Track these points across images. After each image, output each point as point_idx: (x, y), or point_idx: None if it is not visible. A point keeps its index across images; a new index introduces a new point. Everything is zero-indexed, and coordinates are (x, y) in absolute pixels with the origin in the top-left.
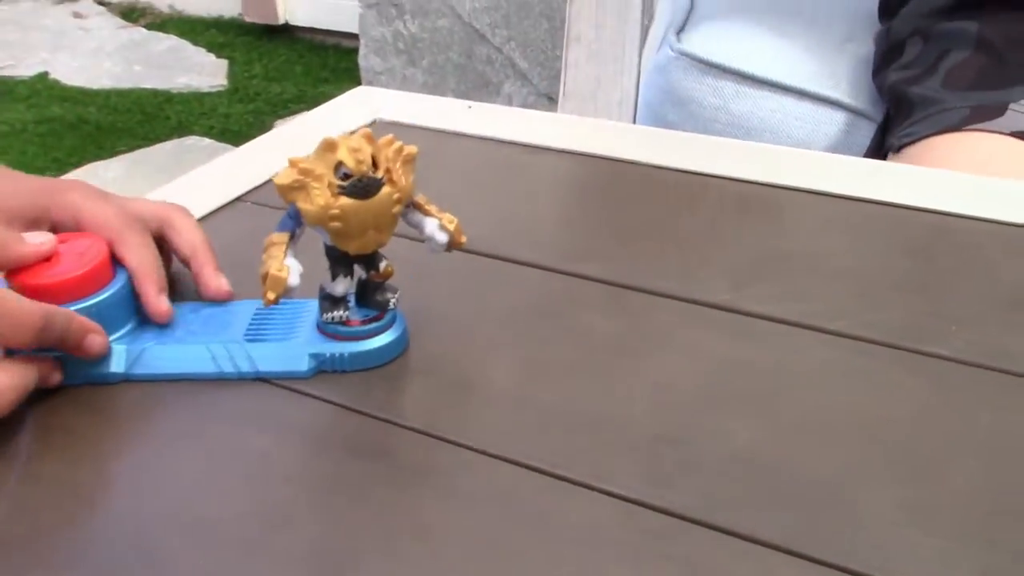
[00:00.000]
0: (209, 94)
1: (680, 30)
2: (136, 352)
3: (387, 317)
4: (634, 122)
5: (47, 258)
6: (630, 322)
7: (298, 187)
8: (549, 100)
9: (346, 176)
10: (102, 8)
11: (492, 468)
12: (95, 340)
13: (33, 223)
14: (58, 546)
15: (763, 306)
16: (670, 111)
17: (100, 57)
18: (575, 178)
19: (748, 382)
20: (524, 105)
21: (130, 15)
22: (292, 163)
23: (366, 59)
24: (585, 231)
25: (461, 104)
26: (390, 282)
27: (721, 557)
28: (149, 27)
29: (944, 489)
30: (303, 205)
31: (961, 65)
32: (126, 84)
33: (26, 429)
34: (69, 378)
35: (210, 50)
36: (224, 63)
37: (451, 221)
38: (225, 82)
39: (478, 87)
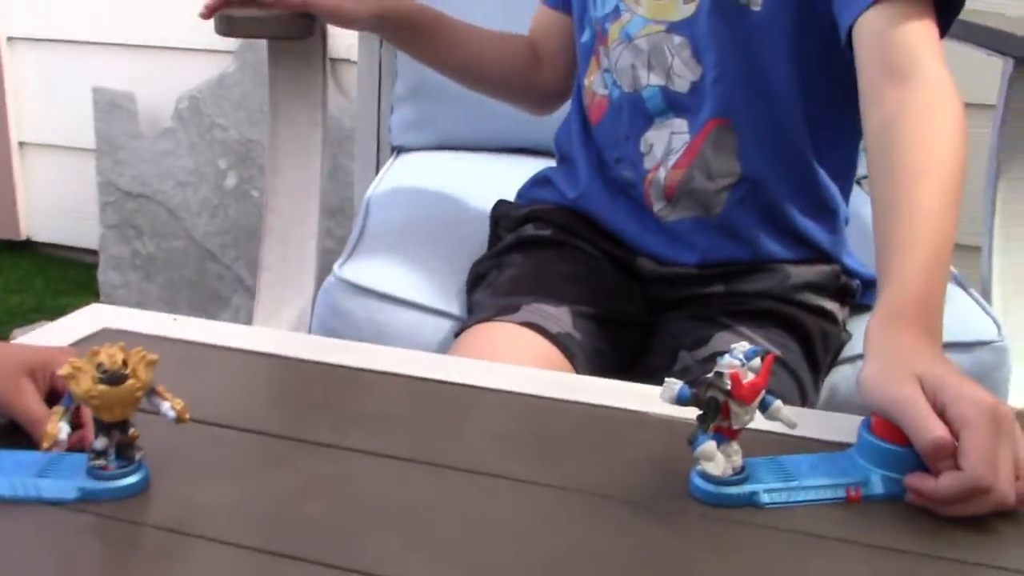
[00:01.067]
0: None
1: (343, 262)
2: None
3: (133, 465)
4: (309, 331)
5: None
6: (321, 466)
7: (71, 377)
8: None
9: (104, 371)
10: None
11: (208, 547)
12: None
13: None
14: None
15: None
16: (334, 322)
17: None
18: (259, 370)
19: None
20: (249, 315)
21: None
22: (70, 363)
23: (105, 274)
24: (269, 404)
25: (168, 317)
26: (137, 443)
27: None
28: None
29: None
30: (73, 388)
31: (501, 283)
32: None
33: None
34: None
35: None
36: None
37: (179, 403)
38: None
39: (210, 300)
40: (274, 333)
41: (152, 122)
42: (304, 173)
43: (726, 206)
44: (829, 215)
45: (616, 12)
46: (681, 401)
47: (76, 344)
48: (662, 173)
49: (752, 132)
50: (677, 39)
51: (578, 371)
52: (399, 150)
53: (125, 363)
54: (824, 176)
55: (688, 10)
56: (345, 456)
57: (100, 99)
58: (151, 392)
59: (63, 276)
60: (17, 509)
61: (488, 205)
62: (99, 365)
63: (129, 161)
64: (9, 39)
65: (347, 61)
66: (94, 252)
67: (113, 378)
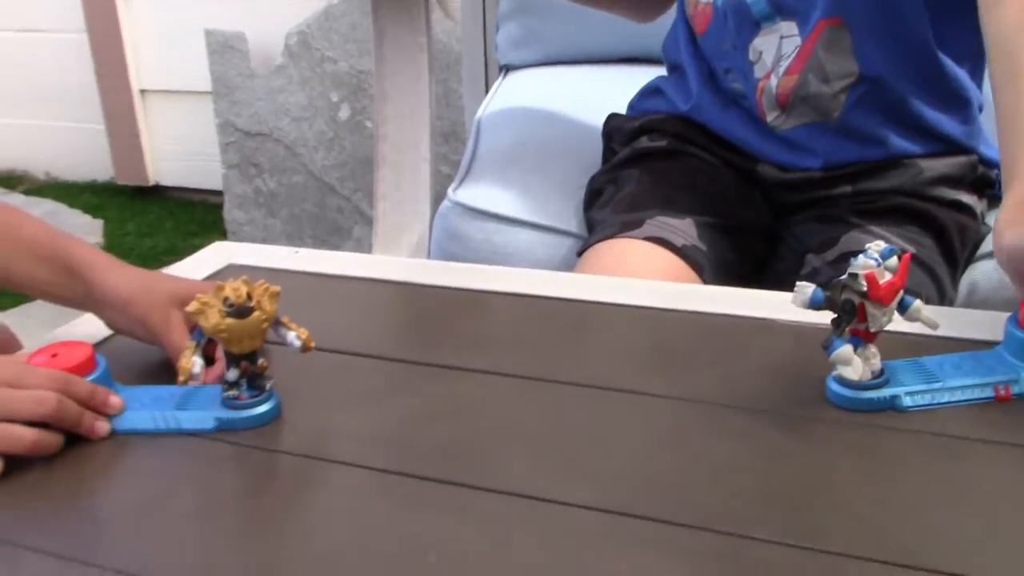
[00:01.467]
0: None
1: (458, 185)
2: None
3: (265, 395)
4: (428, 256)
5: (54, 354)
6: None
7: (199, 313)
8: None
9: (231, 305)
10: None
11: (342, 471)
12: (115, 399)
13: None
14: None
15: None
16: (452, 246)
17: None
18: (381, 297)
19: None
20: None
21: (7, 183)
22: (197, 298)
23: (230, 213)
24: (392, 330)
25: (289, 250)
26: (267, 373)
27: None
28: (27, 193)
29: None
30: (203, 323)
31: (621, 198)
32: None
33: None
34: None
35: (85, 211)
36: (99, 223)
37: (304, 332)
38: (101, 240)
39: (331, 232)
40: (393, 260)
41: (264, 60)
42: (412, 98)
43: (845, 108)
44: (960, 104)
45: None
46: (815, 305)
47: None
48: (773, 81)
49: (867, 28)
50: None
51: (705, 283)
52: (507, 69)
53: (249, 296)
54: (950, 65)
55: None
56: (468, 377)
57: (212, 41)
58: (276, 323)
59: (191, 218)
60: (159, 440)
61: (599, 119)
62: (225, 299)
63: (245, 100)
64: None
65: None
66: (218, 192)
67: (239, 311)
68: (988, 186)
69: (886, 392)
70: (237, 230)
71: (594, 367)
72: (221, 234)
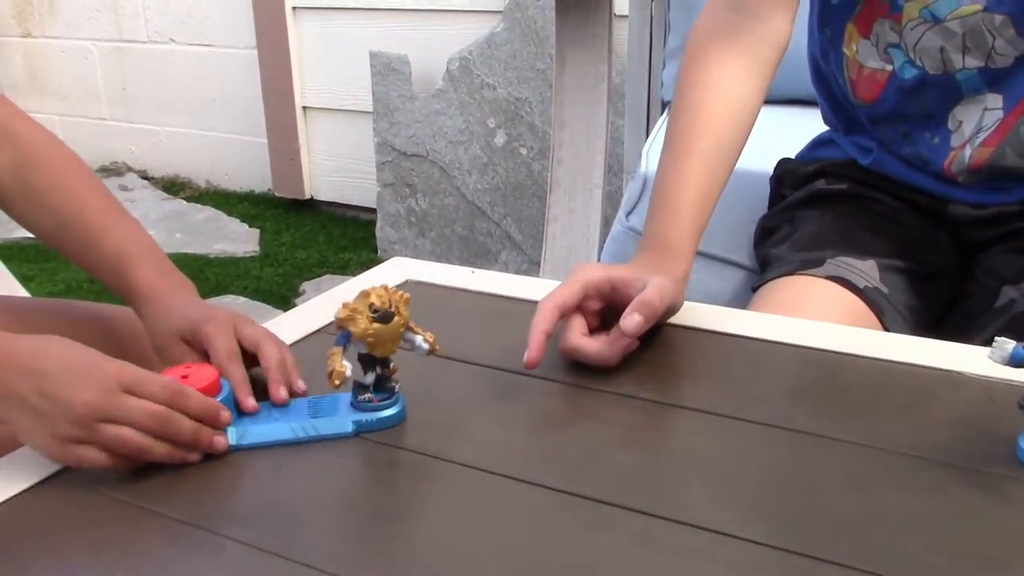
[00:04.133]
0: (243, 259)
1: (630, 211)
2: (240, 431)
3: (394, 397)
4: None
5: (184, 376)
6: (567, 403)
7: (348, 319)
8: (538, 266)
9: (376, 311)
10: (146, 182)
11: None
12: (226, 414)
13: (189, 341)
14: None
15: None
16: None
17: (144, 225)
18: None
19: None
20: (517, 271)
21: (171, 188)
22: (344, 305)
23: (382, 230)
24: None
25: (466, 271)
26: (395, 376)
27: None
28: (189, 199)
29: None
30: (352, 329)
31: (800, 237)
32: (168, 249)
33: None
34: None
35: (243, 220)
36: (256, 232)
37: (430, 336)
38: (257, 248)
39: (478, 255)
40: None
41: (425, 83)
42: (590, 125)
43: None
44: None
45: None
46: (1015, 362)
47: None
48: (967, 151)
49: None
50: (999, 18)
51: (886, 326)
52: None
53: (389, 303)
54: None
55: None
56: (644, 407)
57: (376, 63)
58: (406, 328)
59: (343, 233)
60: (301, 449)
61: (764, 157)
62: (371, 305)
63: (404, 122)
64: (294, 9)
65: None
66: (371, 210)
67: (384, 316)
68: None
69: None
70: (388, 247)
71: (771, 405)
72: (371, 250)
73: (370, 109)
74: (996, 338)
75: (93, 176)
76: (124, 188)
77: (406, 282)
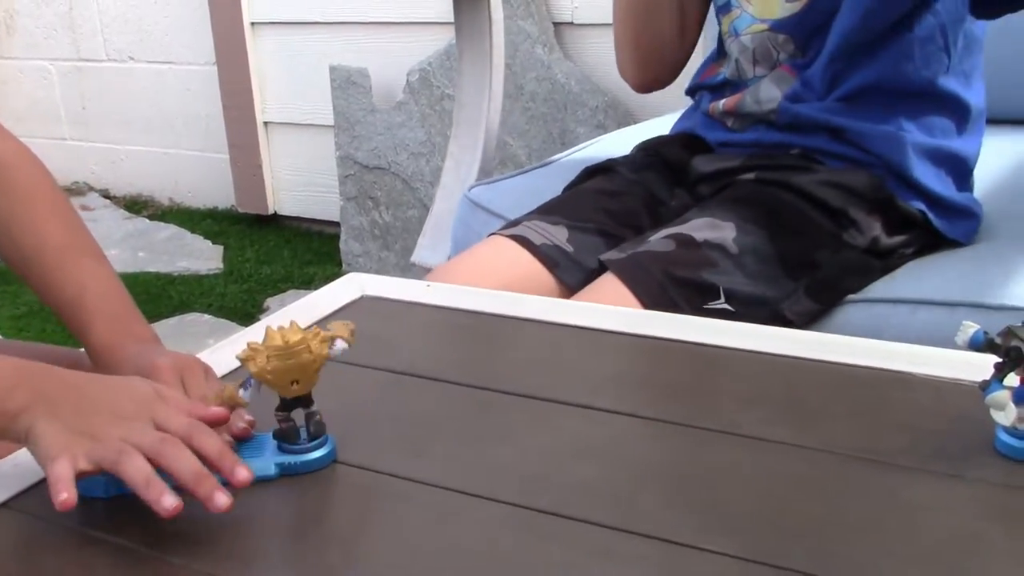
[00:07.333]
0: (207, 276)
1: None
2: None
3: (321, 439)
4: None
5: None
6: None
7: (248, 359)
8: None
9: (277, 351)
10: (108, 202)
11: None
12: (245, 473)
13: None
14: None
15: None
16: None
17: (107, 245)
18: (514, 332)
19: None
20: None
21: (134, 207)
22: (248, 345)
23: (346, 244)
24: (522, 366)
25: (422, 284)
26: (320, 420)
27: None
28: (151, 218)
29: None
30: (251, 368)
31: (546, 203)
32: (131, 268)
33: None
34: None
35: (207, 237)
36: (220, 248)
37: (347, 330)
38: (221, 265)
39: None
40: (523, 297)
41: (385, 96)
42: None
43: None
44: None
45: (727, 6)
46: (975, 346)
47: (337, 312)
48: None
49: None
50: (781, 37)
51: (561, 279)
52: None
53: (300, 341)
54: None
55: (792, 8)
56: (596, 416)
57: (336, 76)
58: (332, 345)
59: (308, 247)
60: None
61: None
62: (271, 345)
63: (365, 135)
64: (252, 24)
65: (571, 24)
66: (335, 223)
67: (284, 354)
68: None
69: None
70: (352, 261)
71: (723, 413)
72: (336, 264)
73: (331, 123)
74: (964, 322)
75: (58, 198)
76: (86, 208)
77: (361, 298)
